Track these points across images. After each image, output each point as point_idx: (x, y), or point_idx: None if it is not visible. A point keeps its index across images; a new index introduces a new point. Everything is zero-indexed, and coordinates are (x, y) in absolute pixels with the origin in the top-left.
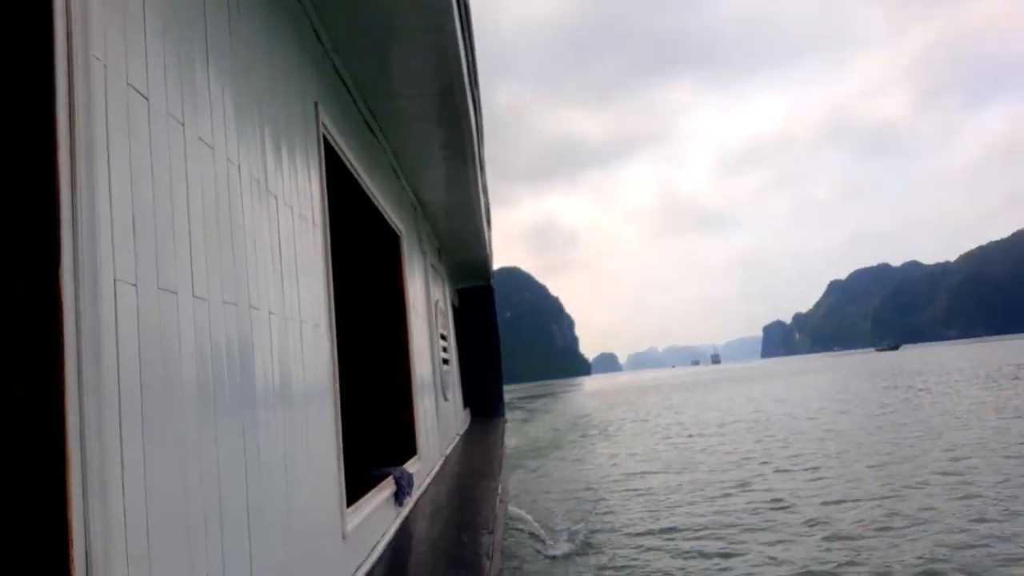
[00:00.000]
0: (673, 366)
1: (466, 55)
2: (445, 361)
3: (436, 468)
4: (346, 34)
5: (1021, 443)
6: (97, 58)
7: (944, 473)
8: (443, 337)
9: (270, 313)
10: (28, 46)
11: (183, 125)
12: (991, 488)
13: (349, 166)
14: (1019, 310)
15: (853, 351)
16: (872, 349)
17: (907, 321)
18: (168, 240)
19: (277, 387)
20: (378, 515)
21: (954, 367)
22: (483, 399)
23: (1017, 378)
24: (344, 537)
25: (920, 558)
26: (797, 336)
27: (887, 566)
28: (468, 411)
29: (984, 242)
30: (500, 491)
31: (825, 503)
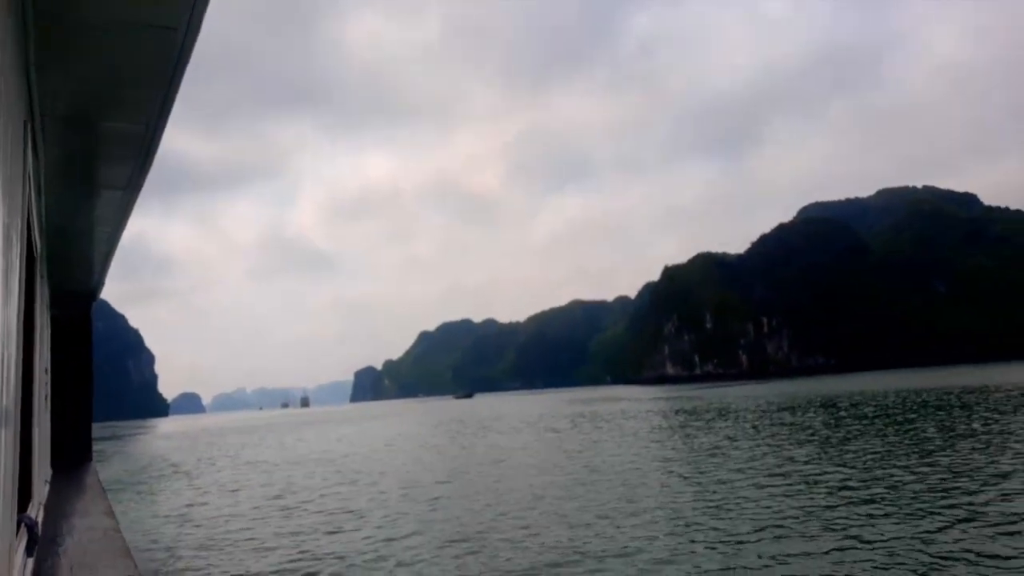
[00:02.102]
0: (261, 408)
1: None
2: (46, 397)
3: (40, 516)
4: (54, 46)
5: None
6: None
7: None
8: (46, 371)
9: None
10: None
11: None
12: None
13: (30, 186)
14: (567, 367)
15: (435, 397)
16: (451, 396)
17: (482, 372)
18: None
19: None
20: (20, 570)
21: (495, 413)
22: (69, 442)
23: (531, 424)
24: None
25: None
26: (386, 382)
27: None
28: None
29: (547, 308)
30: (125, 540)
31: (348, 511)
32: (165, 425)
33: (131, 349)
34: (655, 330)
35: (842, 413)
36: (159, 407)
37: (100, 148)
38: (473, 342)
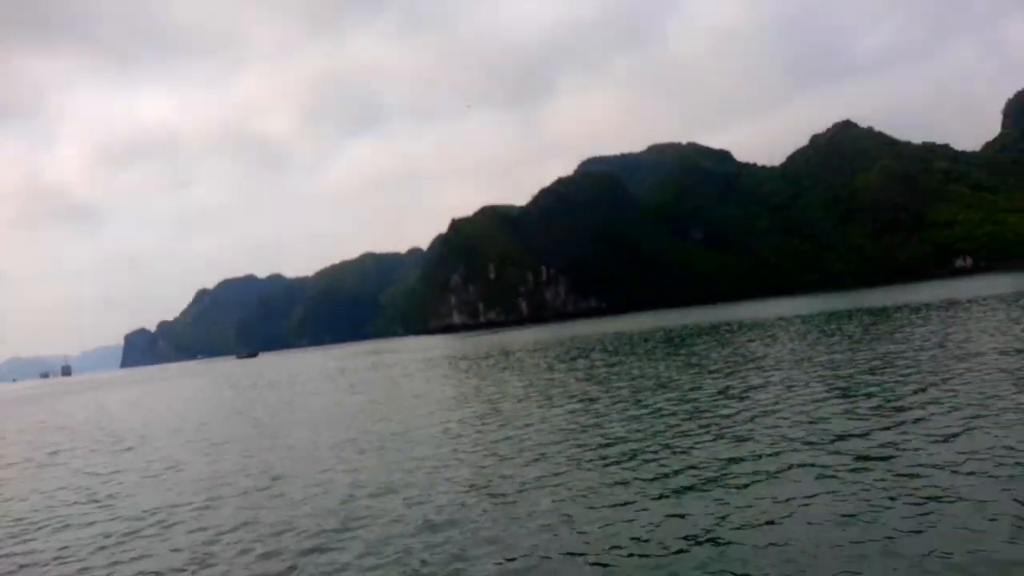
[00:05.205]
0: (14, 380)
1: None
2: None
3: None
4: None
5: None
6: None
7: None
8: None
9: None
10: None
11: None
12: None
13: None
14: (359, 321)
15: (218, 358)
16: (234, 356)
17: (268, 330)
18: None
19: None
20: None
21: (267, 371)
22: None
23: (286, 381)
24: None
25: None
26: (162, 344)
27: None
28: None
29: (338, 261)
30: None
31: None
32: None
33: None
34: (443, 281)
35: (577, 348)
36: None
37: None
38: (258, 299)
